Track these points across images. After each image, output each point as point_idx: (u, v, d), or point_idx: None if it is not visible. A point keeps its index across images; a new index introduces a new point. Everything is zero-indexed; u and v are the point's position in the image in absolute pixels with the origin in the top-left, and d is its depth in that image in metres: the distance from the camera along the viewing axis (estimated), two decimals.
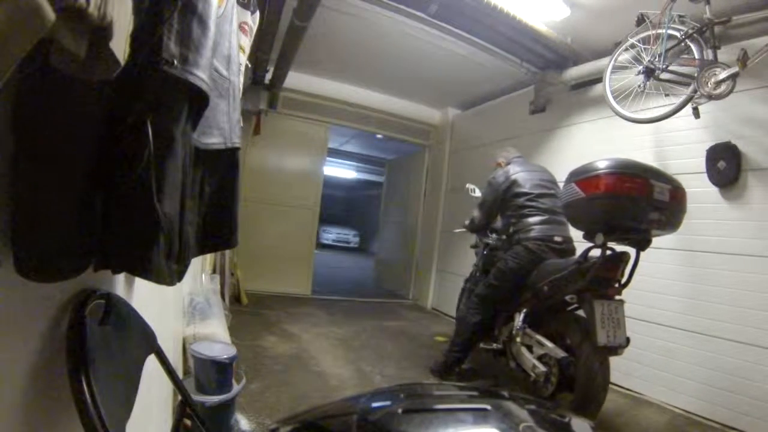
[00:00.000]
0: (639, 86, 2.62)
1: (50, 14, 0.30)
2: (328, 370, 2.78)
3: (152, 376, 1.03)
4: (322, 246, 11.52)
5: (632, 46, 2.67)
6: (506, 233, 2.74)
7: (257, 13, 1.69)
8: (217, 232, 1.10)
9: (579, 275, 2.13)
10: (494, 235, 2.97)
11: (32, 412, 0.58)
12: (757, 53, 2.17)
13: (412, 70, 4.53)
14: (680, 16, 2.44)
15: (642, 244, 2.13)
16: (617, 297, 2.14)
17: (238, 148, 1.10)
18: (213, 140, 0.99)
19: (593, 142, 3.46)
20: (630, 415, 2.52)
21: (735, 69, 2.16)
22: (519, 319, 2.46)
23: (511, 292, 2.58)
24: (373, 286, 6.95)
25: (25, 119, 0.48)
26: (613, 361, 2.09)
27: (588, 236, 2.12)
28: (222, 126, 1.02)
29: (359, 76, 4.97)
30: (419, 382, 2.51)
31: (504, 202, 2.70)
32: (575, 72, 3.51)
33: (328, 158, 6.07)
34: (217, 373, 1.65)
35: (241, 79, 1.50)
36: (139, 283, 1.02)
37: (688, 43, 2.36)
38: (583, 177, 2.05)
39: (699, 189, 2.57)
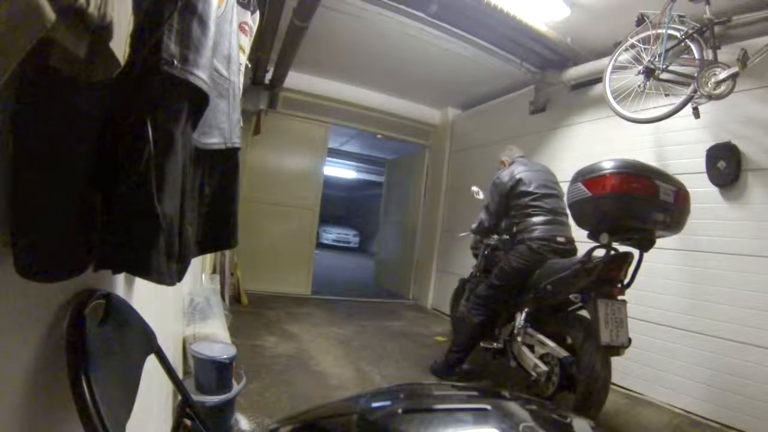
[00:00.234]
0: (639, 86, 2.62)
1: (50, 14, 0.30)
2: (328, 370, 2.78)
3: (152, 376, 1.03)
4: (322, 246, 11.50)
5: (632, 46, 2.67)
6: (509, 233, 2.74)
7: (257, 13, 1.69)
8: (217, 232, 1.10)
9: (584, 274, 2.14)
10: (495, 236, 2.97)
11: (32, 412, 0.58)
12: (757, 53, 2.17)
13: (413, 70, 4.53)
14: (680, 16, 2.44)
15: (646, 244, 2.14)
16: (620, 297, 2.14)
17: (238, 148, 1.10)
18: (213, 140, 0.99)
19: (593, 142, 3.46)
20: (630, 415, 2.52)
21: (735, 69, 2.16)
22: (520, 318, 2.46)
23: (513, 291, 2.59)
24: (373, 286, 6.94)
25: (25, 119, 0.47)
26: (614, 361, 2.09)
27: (593, 236, 2.12)
28: (222, 126, 1.03)
29: (359, 75, 4.96)
30: (419, 382, 2.51)
31: (509, 201, 2.70)
32: (575, 72, 3.51)
33: (328, 158, 6.07)
34: (217, 372, 1.65)
35: (241, 79, 1.50)
36: (139, 283, 1.02)
37: (688, 43, 2.36)
38: (589, 176, 2.05)
39: (699, 189, 2.57)
